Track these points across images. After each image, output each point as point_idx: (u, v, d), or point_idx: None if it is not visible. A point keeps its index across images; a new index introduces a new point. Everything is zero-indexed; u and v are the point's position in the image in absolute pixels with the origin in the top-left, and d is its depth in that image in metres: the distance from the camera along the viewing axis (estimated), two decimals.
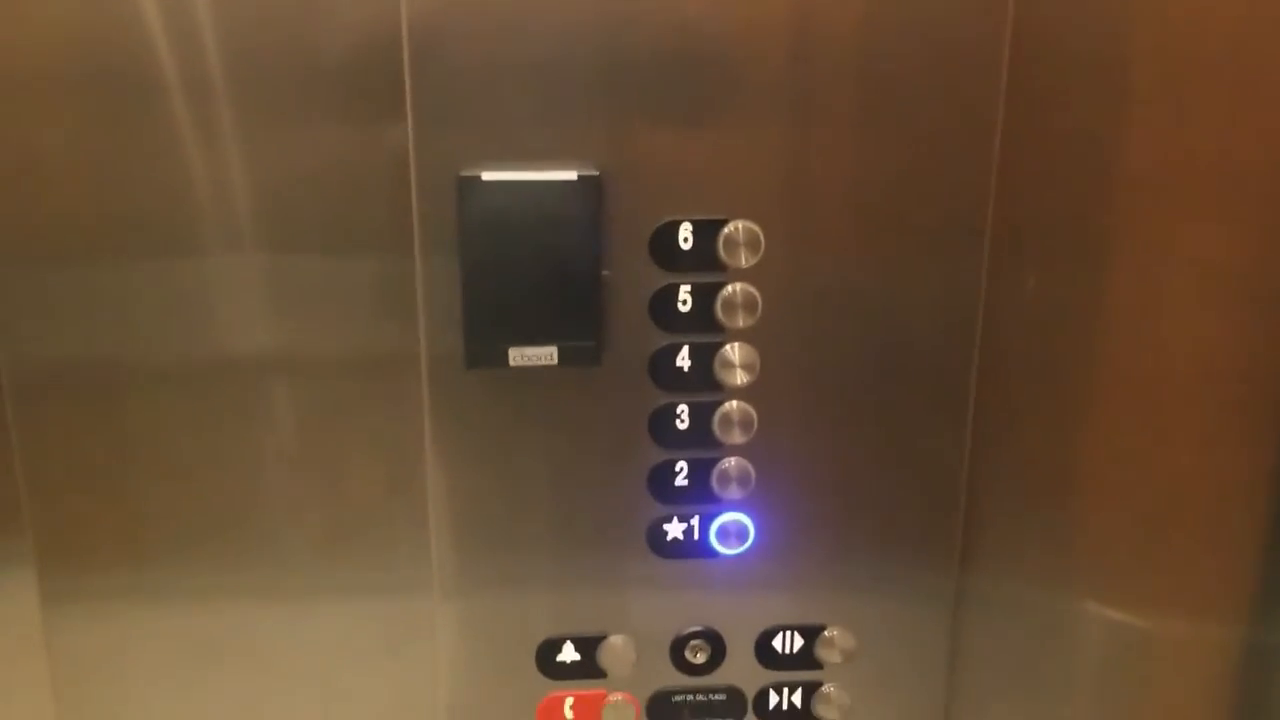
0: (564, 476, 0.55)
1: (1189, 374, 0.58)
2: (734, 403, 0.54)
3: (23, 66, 0.50)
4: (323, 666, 0.60)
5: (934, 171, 0.52)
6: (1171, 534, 0.60)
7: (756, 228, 0.52)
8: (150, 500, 0.56)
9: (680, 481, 0.56)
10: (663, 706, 0.60)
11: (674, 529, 0.57)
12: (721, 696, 0.60)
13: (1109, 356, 0.57)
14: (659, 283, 0.53)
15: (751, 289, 0.52)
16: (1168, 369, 0.57)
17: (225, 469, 0.56)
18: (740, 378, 0.54)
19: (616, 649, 0.58)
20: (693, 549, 0.57)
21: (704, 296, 0.53)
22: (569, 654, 0.58)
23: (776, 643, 0.59)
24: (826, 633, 0.59)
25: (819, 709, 0.60)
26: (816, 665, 0.60)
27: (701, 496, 0.56)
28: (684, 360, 0.54)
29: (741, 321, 0.53)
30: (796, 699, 0.60)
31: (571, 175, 0.50)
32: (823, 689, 0.60)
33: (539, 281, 0.51)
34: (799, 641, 0.59)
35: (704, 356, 0.54)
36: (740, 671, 0.60)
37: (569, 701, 0.59)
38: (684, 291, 0.53)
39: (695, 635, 0.59)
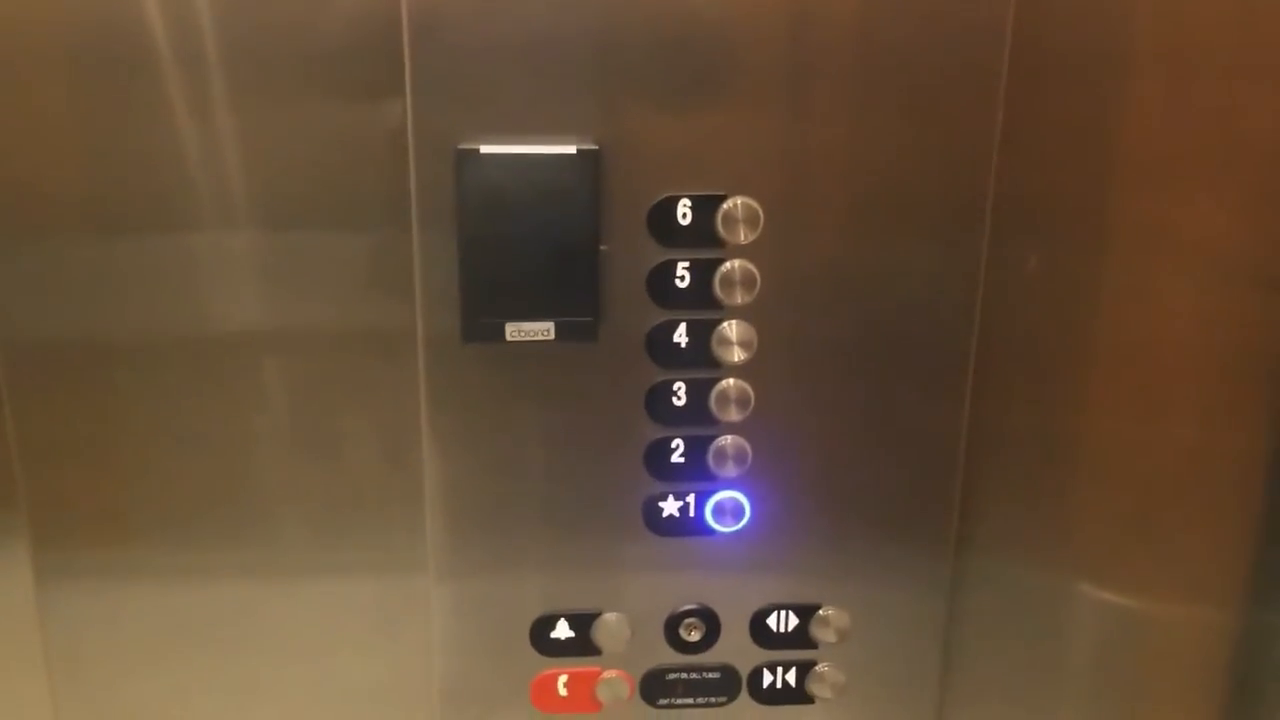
0: (560, 453, 0.55)
1: (1187, 356, 0.58)
2: (731, 380, 0.54)
3: (18, 43, 0.49)
4: (317, 644, 0.60)
5: (934, 149, 0.52)
6: (1168, 516, 0.60)
7: (756, 204, 0.51)
8: (145, 477, 0.56)
9: (676, 458, 0.56)
10: (657, 684, 0.60)
11: (670, 506, 0.56)
12: (716, 674, 0.60)
13: (1108, 337, 0.57)
14: (657, 258, 0.52)
15: (750, 266, 0.52)
16: (1166, 351, 0.58)
17: (220, 446, 0.56)
18: (738, 355, 0.54)
19: (611, 626, 0.58)
20: (688, 526, 0.57)
21: (702, 273, 0.53)
22: (563, 631, 0.58)
23: (771, 621, 0.59)
24: (821, 612, 0.59)
25: (813, 688, 0.60)
26: (811, 644, 0.60)
27: (697, 474, 0.56)
28: (681, 337, 0.54)
29: (739, 298, 0.53)
30: (791, 678, 0.60)
31: (570, 149, 0.50)
32: (817, 668, 0.60)
33: (536, 256, 0.51)
34: (794, 620, 0.59)
35: (701, 333, 0.53)
36: (735, 650, 0.60)
37: (563, 679, 0.59)
38: (682, 267, 0.53)
39: (690, 613, 0.59)
